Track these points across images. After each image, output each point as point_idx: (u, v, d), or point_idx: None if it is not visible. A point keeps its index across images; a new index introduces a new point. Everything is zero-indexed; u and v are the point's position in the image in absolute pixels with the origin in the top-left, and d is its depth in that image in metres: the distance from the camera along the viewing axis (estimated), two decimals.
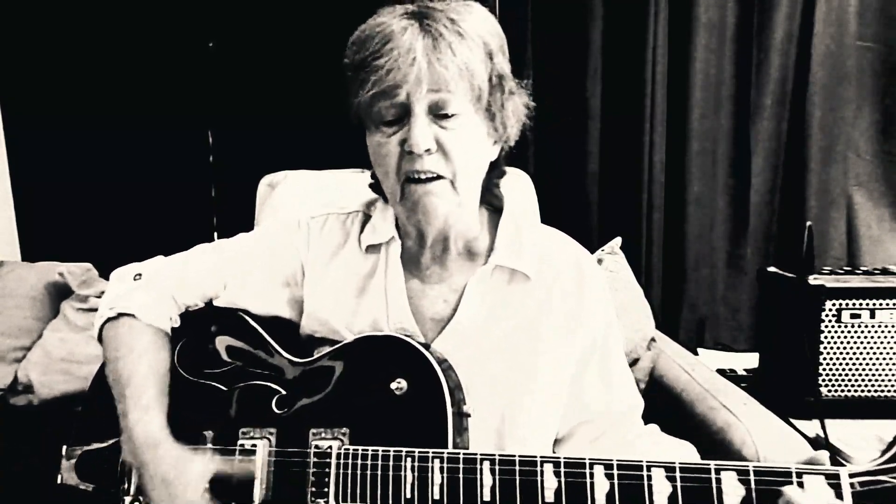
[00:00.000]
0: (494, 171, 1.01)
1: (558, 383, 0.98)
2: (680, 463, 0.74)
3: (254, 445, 0.91)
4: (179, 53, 2.37)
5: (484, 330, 0.96)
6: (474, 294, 0.97)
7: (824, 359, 1.49)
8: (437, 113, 0.87)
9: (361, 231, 1.04)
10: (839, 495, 0.68)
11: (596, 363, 1.00)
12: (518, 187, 1.75)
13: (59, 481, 1.03)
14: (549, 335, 0.97)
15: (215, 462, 0.92)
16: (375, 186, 1.02)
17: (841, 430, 1.36)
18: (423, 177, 0.87)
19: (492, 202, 1.05)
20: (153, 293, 1.04)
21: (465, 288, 0.97)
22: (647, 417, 1.07)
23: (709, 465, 0.73)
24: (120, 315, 1.02)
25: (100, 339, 1.05)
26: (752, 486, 0.71)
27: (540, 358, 0.96)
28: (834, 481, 0.69)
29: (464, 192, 0.92)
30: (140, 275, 1.06)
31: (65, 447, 1.04)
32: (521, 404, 0.94)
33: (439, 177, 0.88)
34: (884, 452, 0.70)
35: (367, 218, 1.06)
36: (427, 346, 0.90)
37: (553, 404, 0.98)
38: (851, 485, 0.69)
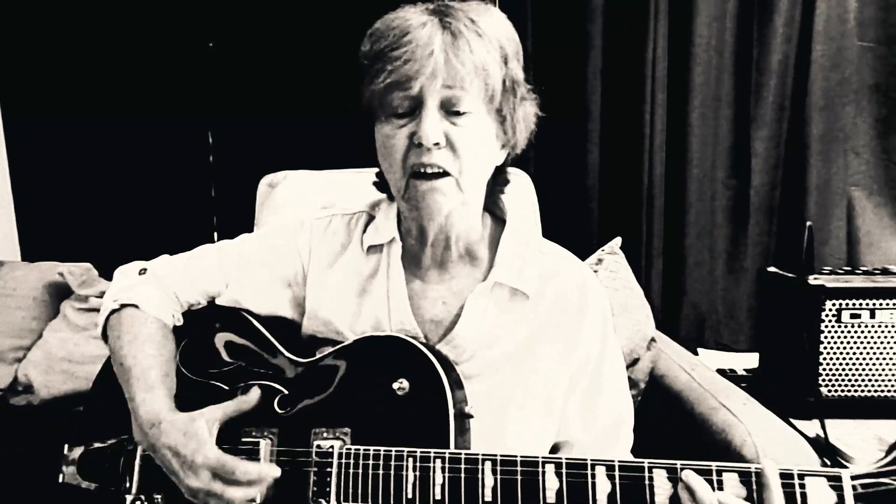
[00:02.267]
0: (499, 178, 1.01)
1: (553, 399, 0.98)
2: (681, 464, 0.74)
3: (256, 445, 0.91)
4: (179, 53, 2.37)
5: (483, 344, 0.96)
6: (474, 309, 0.97)
7: (824, 359, 1.49)
8: (450, 109, 0.87)
9: (364, 232, 1.04)
10: (841, 497, 0.68)
11: (587, 382, 1.00)
12: (518, 188, 1.75)
13: (60, 480, 1.02)
14: (547, 353, 0.97)
15: (221, 409, 0.91)
16: (380, 184, 1.02)
17: (841, 430, 1.36)
18: (429, 171, 0.87)
19: (494, 212, 1.06)
20: (157, 288, 1.04)
21: (465, 302, 0.97)
22: (648, 417, 1.07)
23: (710, 466, 0.73)
24: (124, 307, 1.03)
25: (104, 334, 1.05)
26: (754, 487, 0.71)
27: (536, 373, 0.96)
28: (836, 483, 0.69)
29: (468, 191, 0.92)
30: (145, 269, 1.07)
31: (66, 446, 1.03)
32: (517, 418, 0.94)
33: (445, 173, 0.88)
34: (886, 454, 0.70)
35: (371, 219, 1.06)
36: (429, 346, 0.90)
37: (548, 419, 0.98)
38: (853, 486, 0.69)
